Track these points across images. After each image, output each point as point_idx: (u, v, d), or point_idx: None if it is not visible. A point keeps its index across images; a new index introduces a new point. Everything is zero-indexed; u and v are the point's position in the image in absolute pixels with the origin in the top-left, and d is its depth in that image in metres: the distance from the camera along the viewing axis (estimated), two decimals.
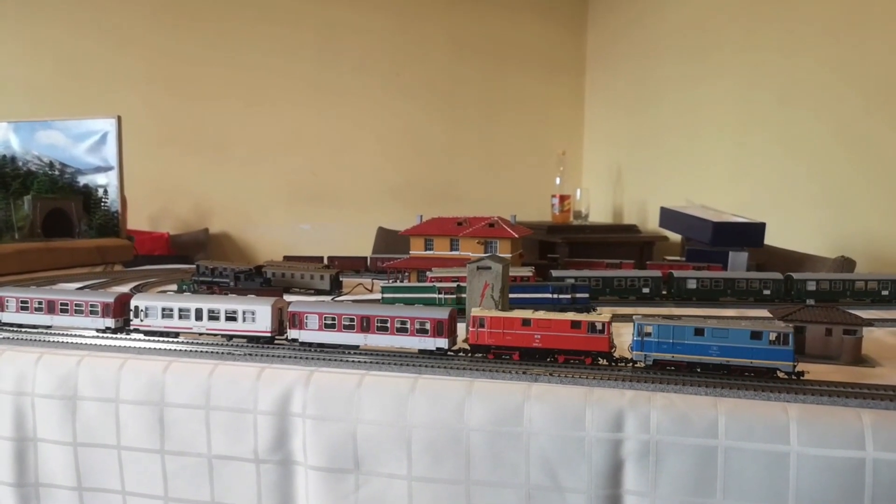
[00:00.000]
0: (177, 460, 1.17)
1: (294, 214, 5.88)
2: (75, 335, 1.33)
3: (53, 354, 1.25)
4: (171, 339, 1.29)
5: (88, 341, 1.30)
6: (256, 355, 1.20)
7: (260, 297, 1.32)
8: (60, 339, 1.31)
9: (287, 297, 1.73)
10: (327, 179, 5.85)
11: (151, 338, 1.30)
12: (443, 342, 1.19)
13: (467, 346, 1.21)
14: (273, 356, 1.19)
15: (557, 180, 5.23)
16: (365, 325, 1.21)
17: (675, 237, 3.66)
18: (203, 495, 1.16)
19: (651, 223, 4.53)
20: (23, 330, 1.38)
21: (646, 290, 1.88)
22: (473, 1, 5.85)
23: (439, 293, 1.62)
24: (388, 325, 1.20)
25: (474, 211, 6.04)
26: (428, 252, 2.12)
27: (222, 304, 1.28)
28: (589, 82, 5.96)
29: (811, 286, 1.85)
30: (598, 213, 5.38)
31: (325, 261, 2.52)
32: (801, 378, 1.05)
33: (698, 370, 1.09)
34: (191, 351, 1.23)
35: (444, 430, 1.04)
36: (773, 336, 1.06)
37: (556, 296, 1.62)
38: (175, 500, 1.17)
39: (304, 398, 1.10)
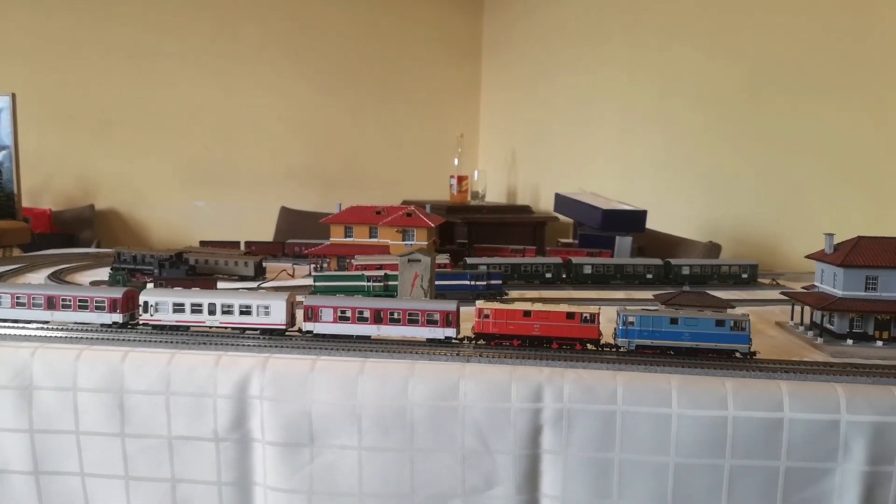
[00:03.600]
0: (137, 442, 1.26)
1: (188, 192, 5.74)
2: (22, 327, 1.37)
3: (4, 347, 1.29)
4: (125, 330, 1.36)
5: (36, 333, 1.35)
6: (211, 344, 1.30)
7: (274, 293, 1.39)
8: (10, 331, 1.35)
9: (221, 285, 1.81)
10: (224, 157, 5.75)
11: (109, 329, 1.37)
12: (451, 331, 1.33)
13: (472, 335, 1.36)
14: (227, 344, 1.30)
15: (456, 161, 5.43)
16: (378, 317, 1.32)
17: (565, 218, 3.95)
18: (163, 473, 1.26)
19: (543, 204, 4.84)
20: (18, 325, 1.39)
21: (548, 275, 2.10)
22: None
23: (368, 281, 1.77)
24: (400, 317, 1.32)
25: (375, 190, 6.14)
26: (348, 239, 2.25)
27: (236, 299, 1.35)
28: (485, 67, 6.18)
29: (686, 271, 2.15)
30: (494, 194, 5.64)
31: (243, 246, 2.58)
32: (754, 357, 1.28)
33: (671, 353, 1.29)
34: (145, 341, 1.31)
35: (390, 406, 1.20)
36: (732, 323, 1.28)
37: (473, 282, 1.81)
38: (135, 479, 1.27)
39: (261, 382, 1.23)
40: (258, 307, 1.35)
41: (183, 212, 5.70)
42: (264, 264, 2.21)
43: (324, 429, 1.21)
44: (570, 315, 1.33)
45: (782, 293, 1.66)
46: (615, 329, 1.34)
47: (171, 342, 1.31)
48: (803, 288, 1.68)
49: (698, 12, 3.35)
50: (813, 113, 2.67)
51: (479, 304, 1.36)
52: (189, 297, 1.37)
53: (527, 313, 1.34)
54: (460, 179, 5.22)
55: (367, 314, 1.33)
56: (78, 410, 1.26)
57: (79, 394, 1.26)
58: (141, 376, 1.25)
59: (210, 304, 1.35)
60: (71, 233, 5.21)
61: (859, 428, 1.11)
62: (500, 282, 1.85)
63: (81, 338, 1.32)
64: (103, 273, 2.12)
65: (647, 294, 1.87)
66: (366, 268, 1.90)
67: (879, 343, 1.43)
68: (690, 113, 3.42)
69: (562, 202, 3.35)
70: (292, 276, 2.23)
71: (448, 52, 6.13)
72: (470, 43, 6.16)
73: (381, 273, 1.79)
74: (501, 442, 1.18)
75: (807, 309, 1.58)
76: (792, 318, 1.65)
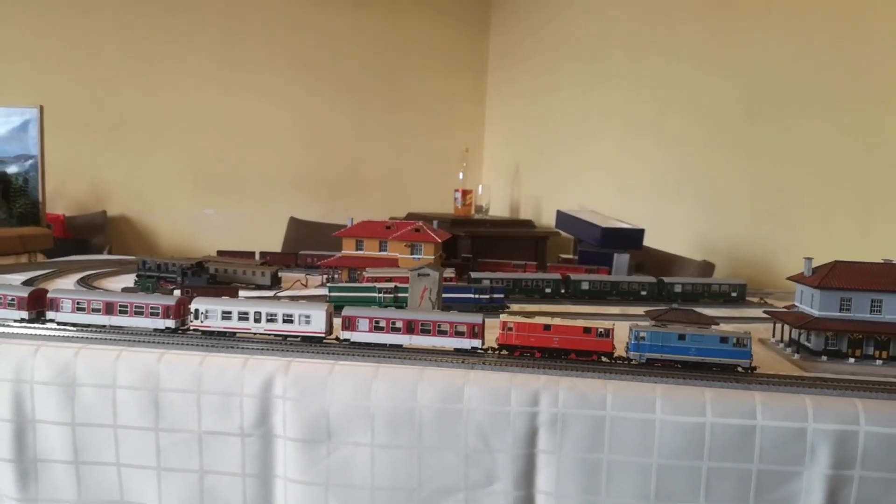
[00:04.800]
0: (169, 436, 1.38)
1: (197, 199, 5.88)
2: (65, 330, 1.50)
3: (50, 346, 1.42)
4: (161, 334, 1.49)
5: (79, 335, 1.47)
6: (238, 348, 1.43)
7: (313, 303, 1.50)
8: (55, 332, 1.48)
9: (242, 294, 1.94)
10: (233, 166, 5.89)
11: (146, 333, 1.50)
12: (477, 342, 1.44)
13: (496, 346, 1.47)
14: (253, 349, 1.42)
15: (461, 175, 5.56)
16: (410, 327, 1.44)
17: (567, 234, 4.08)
18: (193, 465, 1.38)
19: (545, 218, 4.97)
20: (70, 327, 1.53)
21: (548, 290, 2.23)
22: None
23: (379, 293, 1.89)
24: (431, 328, 1.44)
25: (380, 201, 6.28)
26: (359, 252, 2.37)
27: (279, 308, 1.47)
28: (490, 82, 6.33)
29: (678, 288, 2.27)
30: (498, 208, 5.77)
31: (258, 256, 2.71)
32: (755, 372, 1.39)
33: (679, 366, 1.40)
34: (180, 344, 1.44)
35: (401, 408, 1.32)
36: (735, 340, 1.40)
37: (477, 296, 1.93)
38: (167, 470, 1.39)
39: (284, 383, 1.35)
40: (300, 316, 1.46)
41: (192, 219, 5.84)
42: (279, 274, 2.34)
43: (340, 427, 1.33)
44: (586, 330, 1.44)
45: (765, 312, 1.78)
46: (627, 343, 1.45)
47: (203, 346, 1.43)
48: (785, 307, 1.80)
49: (697, 32, 3.48)
50: (807, 132, 2.78)
51: (503, 317, 1.47)
52: (236, 305, 1.49)
53: (547, 327, 1.44)
54: (465, 193, 5.34)
55: (399, 325, 1.44)
56: (116, 406, 1.38)
57: (117, 391, 1.38)
58: (175, 376, 1.37)
59: (256, 313, 1.47)
60: (83, 238, 5.35)
61: (824, 435, 1.23)
62: (502, 296, 1.97)
63: (121, 340, 1.45)
64: (128, 280, 2.25)
65: (641, 310, 1.99)
66: (376, 280, 2.02)
67: (851, 360, 1.55)
68: (688, 131, 3.55)
69: (563, 219, 3.48)
70: (305, 286, 2.36)
71: (455, 67, 6.28)
72: (476, 58, 6.31)
73: (392, 285, 1.91)
74: (501, 442, 1.30)
75: (787, 327, 1.70)
76: (773, 335, 1.77)
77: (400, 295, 1.87)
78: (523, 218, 5.35)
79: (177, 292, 1.92)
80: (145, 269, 2.24)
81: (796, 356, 1.59)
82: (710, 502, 1.26)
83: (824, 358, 1.56)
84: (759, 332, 1.86)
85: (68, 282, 2.19)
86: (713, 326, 1.57)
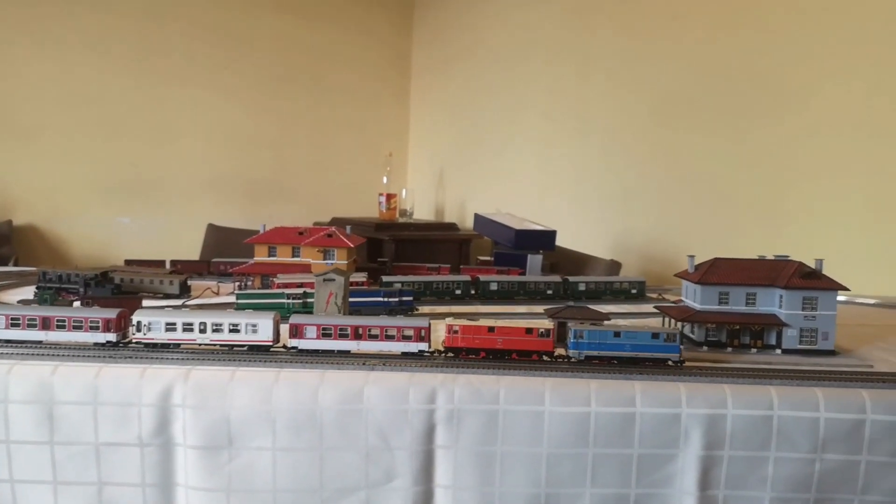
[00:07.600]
0: (65, 449, 1.36)
1: (111, 207, 5.68)
2: None
3: None
4: (53, 346, 1.46)
5: None
6: (136, 358, 1.42)
7: (260, 312, 1.52)
8: None
9: (146, 303, 1.92)
10: (149, 172, 5.73)
11: (38, 346, 1.46)
12: (424, 345, 1.47)
13: (442, 349, 1.50)
14: (153, 358, 1.42)
15: (385, 179, 5.59)
16: (357, 333, 1.45)
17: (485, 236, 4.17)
18: (90, 477, 1.36)
19: (469, 222, 5.07)
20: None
21: (458, 292, 2.29)
22: (301, 1, 6.01)
23: (288, 299, 1.91)
24: (378, 333, 1.45)
25: (305, 206, 6.25)
26: (272, 258, 2.37)
27: (225, 318, 1.45)
28: (413, 87, 6.40)
29: (582, 287, 2.37)
30: (422, 212, 5.82)
31: (168, 265, 2.66)
32: (683, 365, 1.48)
33: (615, 362, 1.47)
34: (74, 356, 1.42)
35: (302, 411, 1.35)
36: (665, 336, 1.48)
37: (386, 299, 1.97)
38: (63, 483, 1.37)
39: (183, 391, 1.35)
40: (246, 325, 1.46)
41: (106, 228, 5.64)
42: (189, 283, 2.31)
43: (241, 432, 1.35)
44: (528, 330, 1.50)
45: (654, 307, 1.90)
46: (567, 341, 1.52)
47: (99, 356, 1.42)
48: (673, 302, 1.92)
49: (611, 47, 3.65)
50: (705, 144, 2.98)
51: (449, 321, 1.51)
52: (181, 316, 1.47)
53: (491, 329, 1.49)
54: (389, 197, 5.38)
55: (348, 331, 1.46)
56: (8, 421, 1.35)
57: (9, 405, 1.35)
58: (70, 388, 1.36)
59: (201, 323, 1.46)
60: None
61: (696, 419, 1.33)
62: (410, 298, 2.02)
63: (13, 353, 1.42)
64: (29, 292, 2.18)
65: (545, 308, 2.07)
66: (287, 286, 2.03)
67: (730, 350, 1.67)
68: (602, 137, 3.71)
69: (480, 222, 3.56)
70: (217, 294, 2.34)
71: (378, 70, 6.31)
72: (400, 61, 6.36)
73: (301, 291, 1.93)
74: (400, 439, 1.35)
75: (675, 320, 1.81)
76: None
77: (308, 301, 1.89)
78: (448, 221, 5.43)
79: (77, 303, 1.89)
80: (46, 280, 2.18)
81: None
82: (597, 487, 1.34)
83: (705, 348, 1.68)
84: (651, 325, 1.97)
85: None
86: (605, 322, 1.67)
